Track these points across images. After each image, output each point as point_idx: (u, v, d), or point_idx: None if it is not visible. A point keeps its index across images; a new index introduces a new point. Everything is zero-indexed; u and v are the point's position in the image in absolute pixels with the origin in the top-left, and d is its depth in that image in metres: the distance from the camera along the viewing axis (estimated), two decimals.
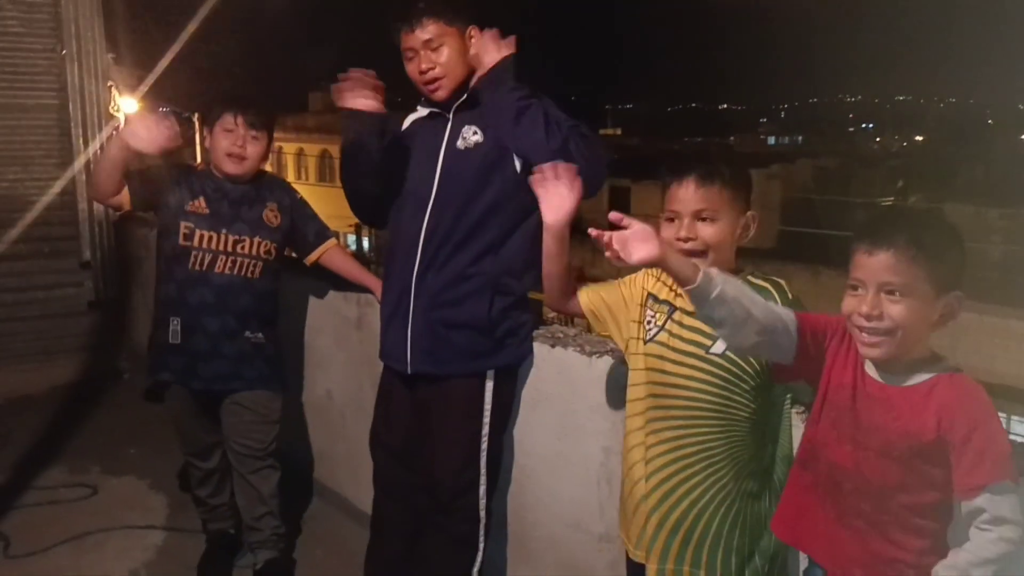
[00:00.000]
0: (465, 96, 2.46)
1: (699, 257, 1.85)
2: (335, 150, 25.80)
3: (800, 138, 58.77)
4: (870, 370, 1.58)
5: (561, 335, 2.54)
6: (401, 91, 2.64)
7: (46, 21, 5.19)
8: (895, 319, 1.47)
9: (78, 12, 5.21)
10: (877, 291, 1.49)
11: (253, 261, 2.95)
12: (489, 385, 2.49)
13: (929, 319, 1.49)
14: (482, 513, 2.54)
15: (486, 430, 2.50)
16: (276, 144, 30.79)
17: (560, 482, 2.54)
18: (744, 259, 1.96)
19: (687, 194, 1.87)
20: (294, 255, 3.22)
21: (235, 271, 2.92)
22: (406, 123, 2.66)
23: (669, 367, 1.91)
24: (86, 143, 5.30)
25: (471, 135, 2.43)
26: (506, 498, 2.73)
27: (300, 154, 30.44)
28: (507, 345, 2.50)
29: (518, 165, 2.39)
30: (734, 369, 1.85)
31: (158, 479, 3.86)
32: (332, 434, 3.63)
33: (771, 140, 58.48)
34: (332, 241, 3.17)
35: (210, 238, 2.90)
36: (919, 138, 57.23)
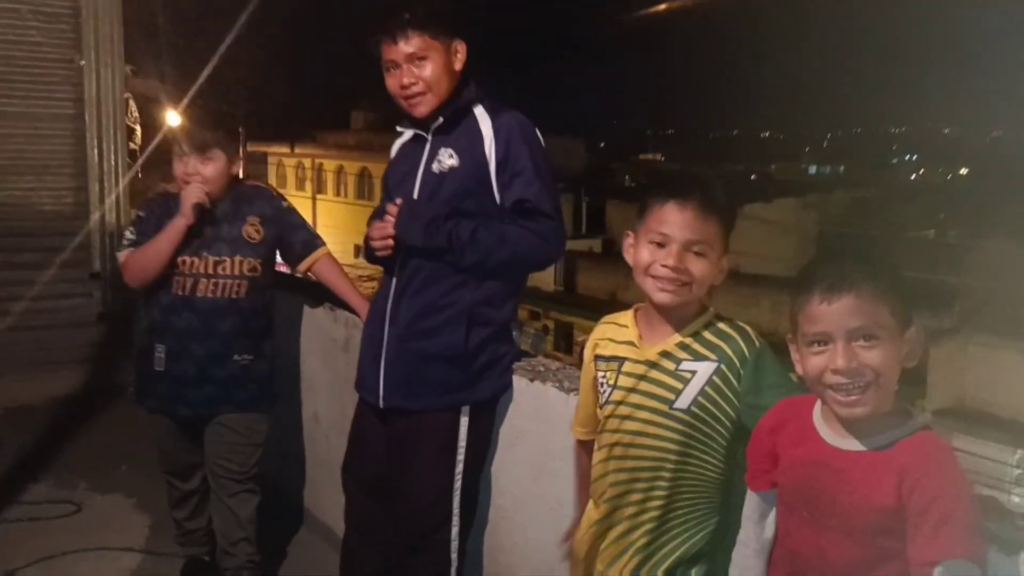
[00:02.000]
0: (443, 118, 2.36)
1: (681, 289, 1.71)
2: (375, 168, 25.93)
3: (842, 168, 58.08)
4: (825, 436, 1.42)
5: (542, 368, 2.41)
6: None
7: (66, 32, 5.20)
8: (875, 366, 1.32)
9: (98, 24, 5.22)
10: (847, 341, 1.33)
11: (237, 281, 2.85)
12: (464, 420, 2.36)
13: (900, 360, 1.35)
14: (453, 555, 2.40)
15: (460, 467, 2.37)
16: (317, 160, 31.35)
17: (535, 525, 2.40)
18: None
19: (684, 220, 1.69)
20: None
21: (219, 293, 2.83)
22: (394, 149, 2.57)
23: (629, 426, 1.76)
24: (101, 154, 5.30)
25: (447, 158, 2.32)
26: (482, 538, 2.59)
27: (340, 171, 30.71)
28: (485, 378, 2.37)
29: (498, 197, 2.28)
30: (701, 427, 1.70)
31: (144, 498, 3.77)
32: (318, 459, 3.53)
33: (812, 169, 57.89)
34: (322, 250, 3.04)
35: (192, 263, 2.81)
36: (963, 171, 56.30)
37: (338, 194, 30.87)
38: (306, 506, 3.64)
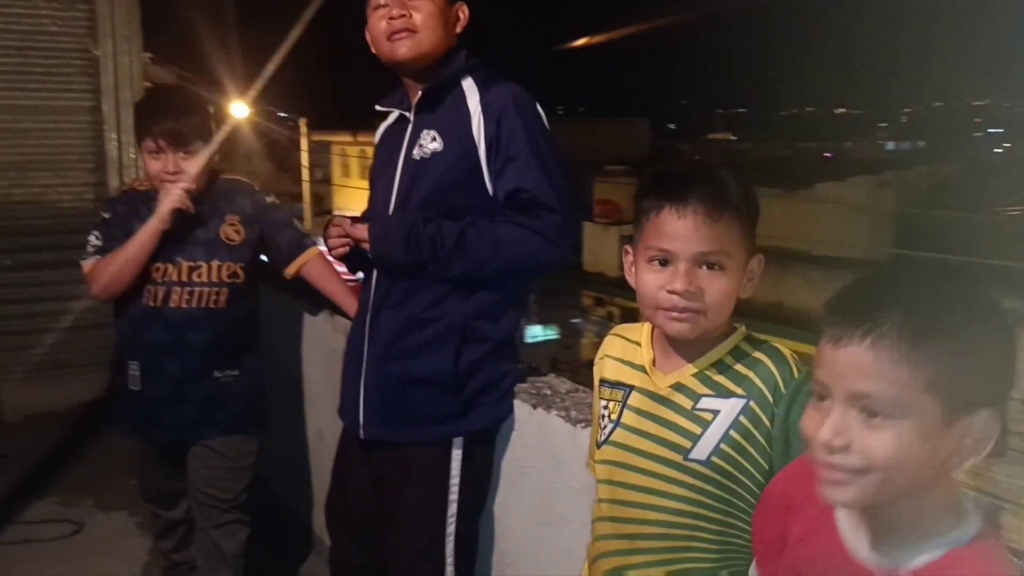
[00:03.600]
0: (423, 92, 1.97)
1: (697, 316, 1.29)
2: None
3: (921, 144, 55.82)
4: (848, 537, 0.99)
5: (548, 392, 2.01)
6: None
7: (81, 20, 4.94)
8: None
9: (114, 10, 4.96)
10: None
11: (215, 289, 2.51)
12: (457, 454, 1.98)
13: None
14: None
15: (453, 509, 2.00)
16: (362, 148, 31.35)
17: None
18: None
19: (688, 228, 1.28)
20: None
21: (193, 303, 2.49)
22: (378, 133, 2.19)
23: (631, 478, 1.35)
24: (120, 147, 5.05)
25: (429, 142, 1.93)
26: None
27: None
28: (480, 404, 1.98)
29: (490, 188, 1.88)
30: (725, 482, 1.28)
31: (148, 517, 3.50)
32: (324, 479, 3.16)
33: (890, 146, 55.83)
34: (312, 251, 2.68)
35: (164, 270, 2.48)
36: None
37: None
38: (315, 531, 3.31)
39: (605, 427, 1.43)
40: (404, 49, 1.94)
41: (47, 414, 4.73)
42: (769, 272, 1.36)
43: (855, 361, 0.89)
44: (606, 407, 1.44)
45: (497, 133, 1.86)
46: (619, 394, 1.42)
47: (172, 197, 2.42)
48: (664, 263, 1.30)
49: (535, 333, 17.63)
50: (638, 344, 1.43)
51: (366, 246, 1.94)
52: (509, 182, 1.86)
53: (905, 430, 0.88)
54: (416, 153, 1.95)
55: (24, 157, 4.91)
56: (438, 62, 1.98)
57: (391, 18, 1.93)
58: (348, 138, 32.29)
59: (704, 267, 1.29)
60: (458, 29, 2.02)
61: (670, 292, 1.29)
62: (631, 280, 1.37)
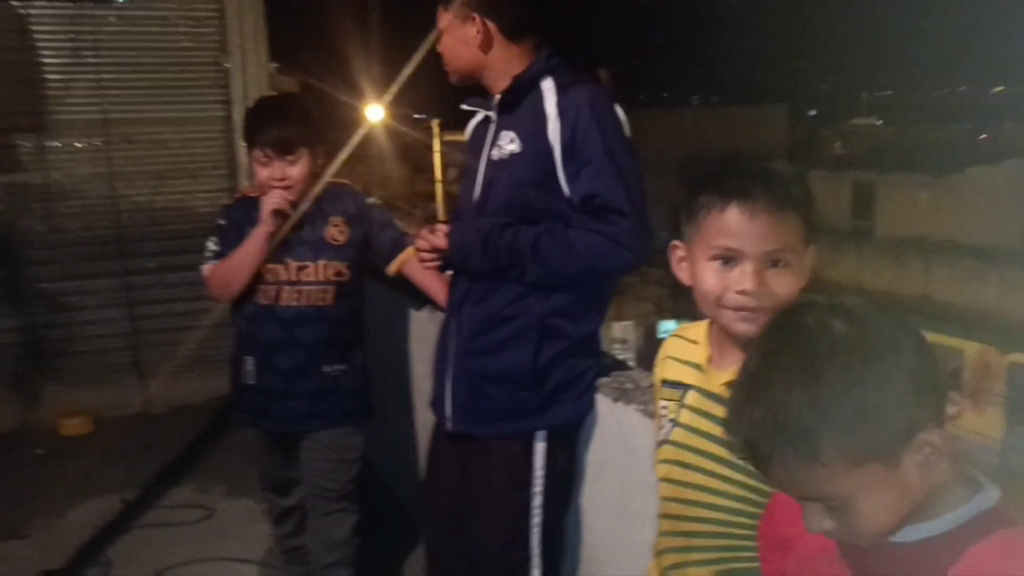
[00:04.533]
0: (501, 95, 2.01)
1: (765, 314, 1.27)
2: None
3: None
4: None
5: (629, 386, 2.00)
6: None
7: (212, 35, 5.25)
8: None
9: (243, 24, 5.24)
10: (760, 263, 1.20)
11: (322, 287, 2.63)
12: (540, 448, 2.00)
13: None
14: None
15: (538, 501, 2.02)
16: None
17: (624, 573, 1.99)
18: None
19: (756, 227, 1.24)
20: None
21: (303, 301, 2.62)
22: (467, 131, 2.25)
23: (687, 476, 1.34)
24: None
25: (507, 143, 1.97)
26: None
27: None
28: (561, 400, 2.00)
29: (566, 190, 1.89)
30: None
31: (269, 503, 3.70)
32: None
33: None
34: (412, 249, 2.76)
35: (275, 270, 2.62)
36: None
37: None
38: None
39: (664, 427, 1.42)
40: (449, 77, 2.15)
41: (188, 407, 5.06)
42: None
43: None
44: (665, 407, 1.43)
45: (572, 136, 1.88)
46: (677, 393, 1.41)
47: (270, 200, 2.55)
48: (729, 262, 1.28)
49: (667, 328, 17.39)
50: (696, 343, 1.41)
51: (445, 252, 2.01)
52: (583, 186, 1.88)
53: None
54: (495, 154, 2.00)
55: (164, 166, 5.26)
56: (502, 70, 2.03)
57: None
58: None
59: (772, 265, 1.26)
60: (479, 43, 2.06)
61: (739, 292, 1.26)
62: (682, 277, 1.35)
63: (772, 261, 1.26)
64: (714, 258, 1.28)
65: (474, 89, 2.18)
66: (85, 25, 5.01)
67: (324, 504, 2.75)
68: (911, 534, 0.92)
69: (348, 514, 2.78)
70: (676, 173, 21.16)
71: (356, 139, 2.81)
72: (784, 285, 1.26)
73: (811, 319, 0.92)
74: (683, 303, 18.21)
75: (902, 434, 0.87)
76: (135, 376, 5.20)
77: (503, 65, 2.03)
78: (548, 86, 1.97)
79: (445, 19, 2.08)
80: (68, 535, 3.51)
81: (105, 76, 5.06)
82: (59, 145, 5.05)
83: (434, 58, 2.22)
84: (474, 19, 2.04)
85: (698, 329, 1.42)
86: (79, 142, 5.08)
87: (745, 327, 1.28)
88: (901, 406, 0.87)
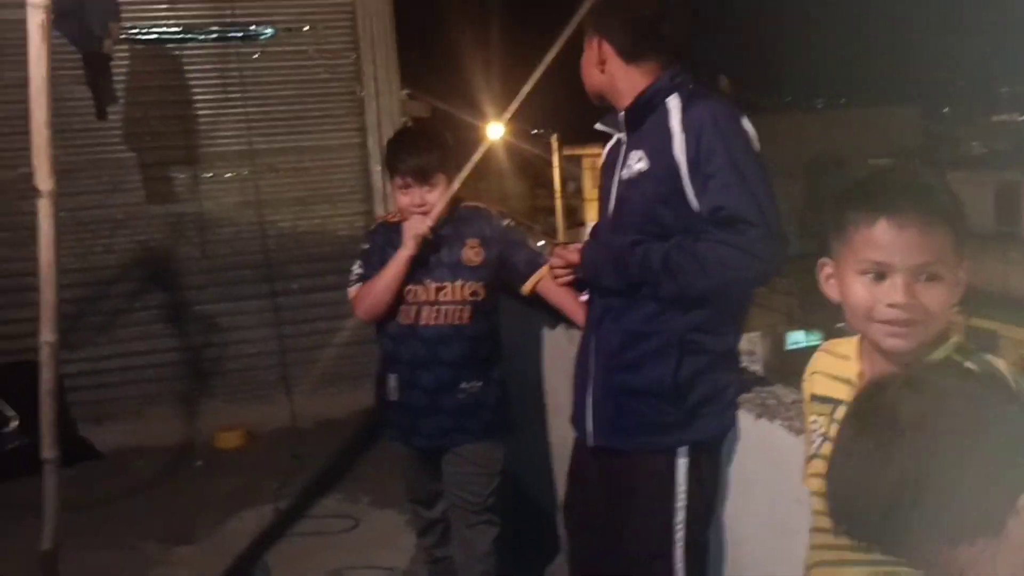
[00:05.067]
0: (626, 114, 2.08)
1: (917, 329, 1.28)
2: None
3: None
4: None
5: (772, 402, 2.02)
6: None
7: (347, 66, 5.53)
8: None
9: (375, 55, 5.48)
10: (911, 276, 1.20)
11: (459, 307, 2.75)
12: (682, 463, 2.04)
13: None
14: None
15: (681, 516, 2.06)
16: (598, 159, 31.62)
17: None
18: None
19: (905, 241, 1.25)
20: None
21: (442, 320, 2.75)
22: (603, 155, 2.32)
23: None
24: (383, 178, 5.56)
25: (635, 162, 2.02)
26: None
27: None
28: (703, 415, 2.03)
29: (694, 203, 1.93)
30: None
31: (414, 514, 3.85)
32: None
33: None
34: (546, 268, 2.82)
35: (415, 291, 2.75)
36: None
37: None
38: (559, 532, 3.48)
39: (815, 441, 1.44)
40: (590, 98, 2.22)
41: (332, 420, 5.30)
42: None
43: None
44: (815, 421, 1.45)
45: (697, 151, 1.91)
46: (827, 408, 1.42)
47: (412, 225, 2.69)
48: (880, 276, 1.29)
49: (797, 339, 16.94)
50: (847, 358, 1.42)
51: (580, 272, 2.08)
52: (710, 199, 1.91)
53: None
54: (625, 174, 2.06)
55: (306, 192, 5.56)
56: (624, 90, 2.10)
57: None
58: (598, 151, 32.69)
59: (923, 278, 1.27)
60: (597, 64, 2.13)
61: (889, 306, 1.27)
62: (831, 293, 1.37)
63: (923, 274, 1.26)
64: (863, 272, 1.29)
65: (608, 109, 2.24)
66: (231, 63, 5.36)
67: (468, 516, 2.86)
68: None
69: (491, 526, 2.88)
70: (802, 178, 20.60)
71: (476, 157, 2.92)
72: (936, 298, 1.26)
73: (889, 395, 0.91)
74: (813, 314, 17.67)
75: (1004, 503, 0.83)
76: (283, 391, 5.49)
77: (623, 84, 2.09)
78: (674, 104, 2.01)
79: (586, 39, 2.18)
80: (230, 541, 3.75)
81: (251, 110, 5.40)
82: (210, 176, 5.42)
83: (550, 76, 2.29)
84: (593, 40, 2.13)
85: (849, 344, 1.44)
86: (228, 172, 5.43)
87: (895, 342, 1.29)
88: (996, 476, 0.83)
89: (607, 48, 2.11)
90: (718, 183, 1.89)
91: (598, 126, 2.22)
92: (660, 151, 1.97)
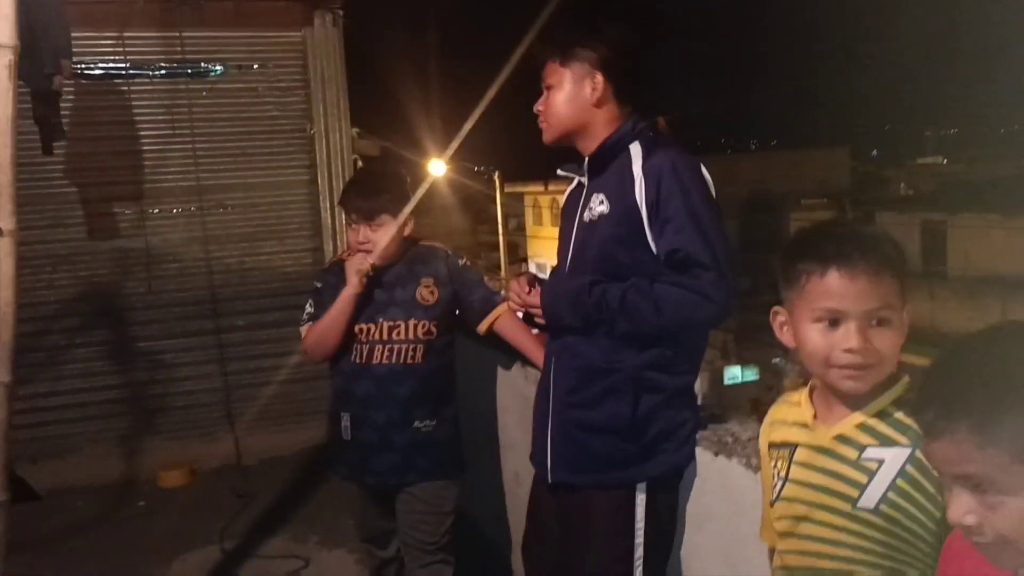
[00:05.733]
0: (590, 159, 2.16)
1: (871, 372, 1.37)
2: None
3: None
4: None
5: (729, 440, 2.10)
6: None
7: (298, 104, 5.56)
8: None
9: (325, 93, 5.52)
10: (863, 321, 1.25)
11: (412, 345, 2.79)
12: (640, 499, 2.10)
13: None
14: None
15: (640, 552, 2.11)
16: (553, 197, 31.96)
17: None
18: None
19: (857, 289, 1.33)
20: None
21: (394, 359, 2.78)
22: (563, 199, 2.40)
23: (805, 528, 1.43)
24: (333, 215, 5.58)
25: (597, 205, 2.10)
26: None
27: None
28: (661, 451, 2.10)
29: (653, 247, 2.02)
30: (897, 531, 1.33)
31: (365, 554, 3.83)
32: (521, 521, 3.37)
33: None
34: (502, 307, 2.89)
35: (367, 329, 2.79)
36: None
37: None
38: (513, 568, 3.51)
39: (776, 485, 1.51)
40: (545, 136, 2.23)
41: (278, 458, 5.27)
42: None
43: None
44: (775, 465, 1.53)
45: (656, 196, 2.00)
46: (785, 453, 1.50)
47: (356, 264, 2.74)
48: (834, 323, 1.36)
49: (734, 375, 17.23)
50: (799, 404, 1.51)
51: (539, 310, 2.14)
52: (666, 242, 1.99)
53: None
54: (587, 216, 2.13)
55: (254, 228, 5.55)
56: (596, 132, 2.16)
57: (538, 108, 2.23)
58: (540, 188, 33.11)
59: (874, 323, 1.35)
60: (592, 100, 2.16)
61: (846, 351, 1.35)
62: (785, 340, 1.45)
63: (874, 319, 1.35)
64: (818, 320, 1.38)
65: (562, 152, 2.32)
66: (181, 99, 5.35)
67: (421, 556, 2.87)
68: None
69: (445, 565, 2.90)
70: (736, 218, 21.06)
71: (419, 194, 2.99)
72: (887, 342, 1.35)
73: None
74: (748, 350, 18.03)
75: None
76: (228, 428, 5.43)
77: (602, 125, 2.16)
78: (636, 150, 2.09)
79: (558, 75, 2.17)
80: None
81: (199, 145, 5.39)
82: (157, 211, 5.37)
83: (492, 115, 2.32)
84: (595, 76, 2.15)
85: (799, 393, 1.53)
86: (176, 208, 5.39)
87: (852, 384, 1.37)
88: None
89: (608, 86, 2.15)
90: (674, 227, 1.97)
91: (560, 172, 2.30)
92: (622, 195, 2.05)
